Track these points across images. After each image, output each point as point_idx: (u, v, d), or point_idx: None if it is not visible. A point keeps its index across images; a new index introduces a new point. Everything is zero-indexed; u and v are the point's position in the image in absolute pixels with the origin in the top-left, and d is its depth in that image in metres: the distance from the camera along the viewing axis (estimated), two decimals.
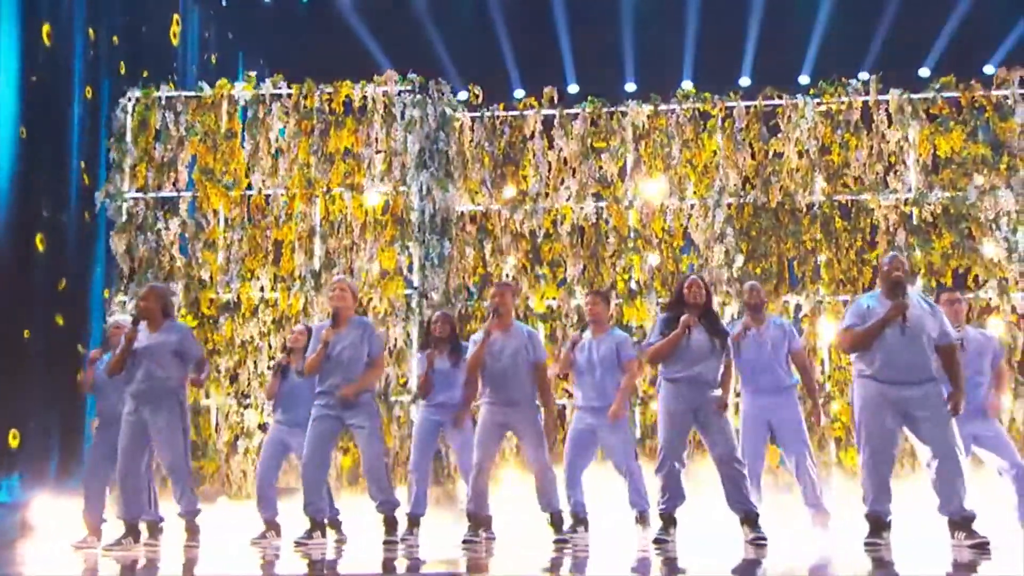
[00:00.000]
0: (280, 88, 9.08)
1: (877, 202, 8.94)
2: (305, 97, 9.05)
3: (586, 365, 6.50)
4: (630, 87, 13.98)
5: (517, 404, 5.97)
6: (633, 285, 9.12)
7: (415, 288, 8.74)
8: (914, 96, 9.07)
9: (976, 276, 8.74)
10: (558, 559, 5.33)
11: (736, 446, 5.73)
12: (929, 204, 8.86)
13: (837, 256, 8.98)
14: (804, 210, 9.06)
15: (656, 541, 5.63)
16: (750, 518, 5.60)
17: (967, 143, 8.89)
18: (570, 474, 6.41)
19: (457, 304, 9.12)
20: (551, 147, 9.44)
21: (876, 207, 8.96)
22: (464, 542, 5.86)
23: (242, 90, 9.02)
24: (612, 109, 9.47)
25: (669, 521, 5.71)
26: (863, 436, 5.44)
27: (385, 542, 5.86)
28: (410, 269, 8.81)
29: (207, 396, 8.57)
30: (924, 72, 13.27)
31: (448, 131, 9.17)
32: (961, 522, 5.20)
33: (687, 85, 14.09)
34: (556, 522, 5.98)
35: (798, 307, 8.88)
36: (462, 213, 9.38)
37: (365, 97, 9.02)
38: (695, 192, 9.25)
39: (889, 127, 9.06)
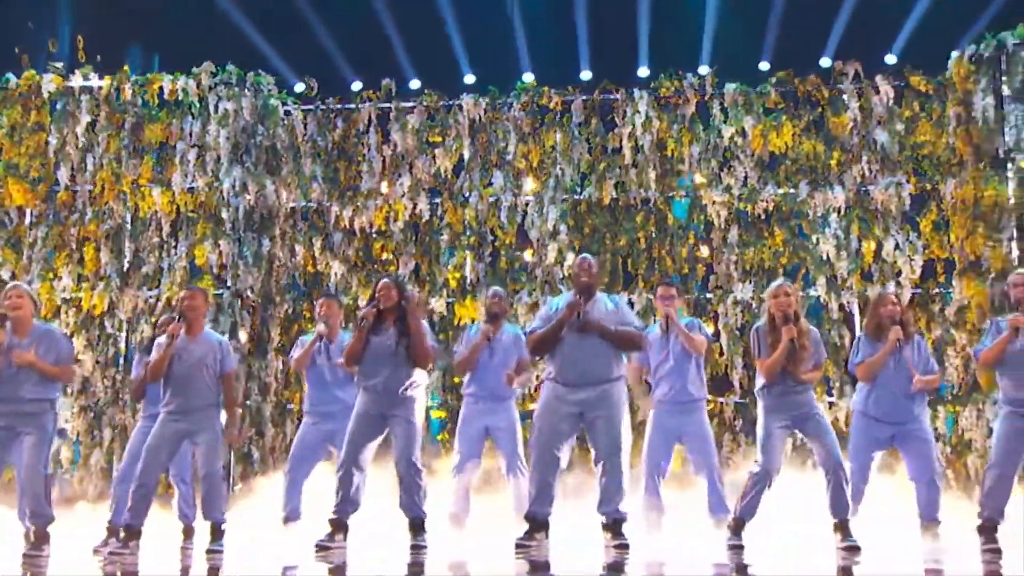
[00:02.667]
0: (90, 80, 8.74)
1: (711, 197, 8.72)
2: (117, 89, 8.72)
3: (322, 367, 6.31)
4: (528, 77, 13.71)
5: (195, 412, 5.68)
6: (467, 283, 8.89)
7: (228, 287, 8.43)
8: (750, 90, 8.85)
9: (806, 273, 8.54)
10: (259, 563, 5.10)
11: (415, 451, 5.51)
12: (762, 200, 8.65)
13: (671, 253, 8.77)
14: (638, 206, 8.83)
15: (318, 547, 5.37)
16: (415, 524, 5.50)
17: (799, 138, 8.67)
18: (292, 477, 6.24)
19: (283, 304, 8.86)
20: (386, 141, 9.19)
21: (710, 203, 8.73)
22: (111, 553, 5.56)
23: (50, 82, 8.68)
24: (449, 103, 9.22)
25: (338, 527, 5.47)
26: (534, 436, 5.45)
27: (25, 555, 5.47)
28: (224, 267, 8.51)
29: None
30: (825, 62, 13.10)
31: (270, 124, 8.85)
32: (612, 524, 5.26)
33: (586, 75, 13.93)
34: (215, 533, 5.67)
35: (631, 304, 8.62)
36: (293, 209, 9.10)
37: (178, 90, 8.71)
38: (532, 188, 9.02)
39: (725, 122, 8.83)
